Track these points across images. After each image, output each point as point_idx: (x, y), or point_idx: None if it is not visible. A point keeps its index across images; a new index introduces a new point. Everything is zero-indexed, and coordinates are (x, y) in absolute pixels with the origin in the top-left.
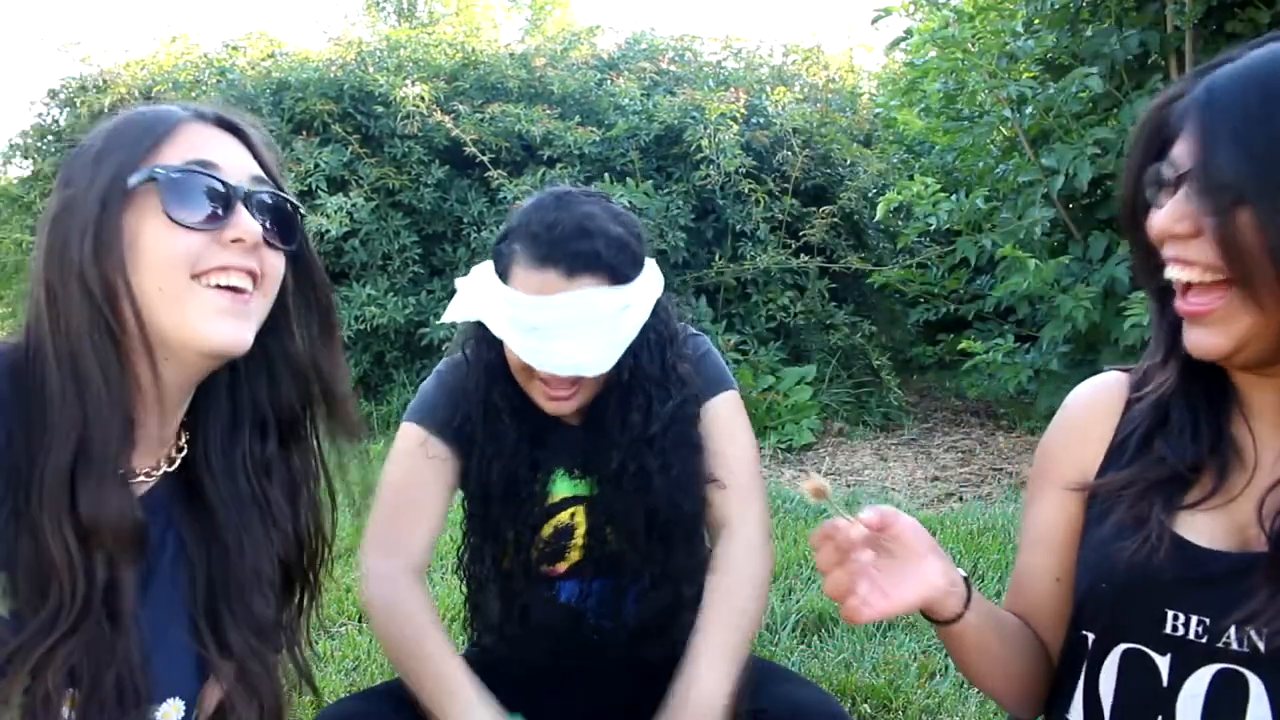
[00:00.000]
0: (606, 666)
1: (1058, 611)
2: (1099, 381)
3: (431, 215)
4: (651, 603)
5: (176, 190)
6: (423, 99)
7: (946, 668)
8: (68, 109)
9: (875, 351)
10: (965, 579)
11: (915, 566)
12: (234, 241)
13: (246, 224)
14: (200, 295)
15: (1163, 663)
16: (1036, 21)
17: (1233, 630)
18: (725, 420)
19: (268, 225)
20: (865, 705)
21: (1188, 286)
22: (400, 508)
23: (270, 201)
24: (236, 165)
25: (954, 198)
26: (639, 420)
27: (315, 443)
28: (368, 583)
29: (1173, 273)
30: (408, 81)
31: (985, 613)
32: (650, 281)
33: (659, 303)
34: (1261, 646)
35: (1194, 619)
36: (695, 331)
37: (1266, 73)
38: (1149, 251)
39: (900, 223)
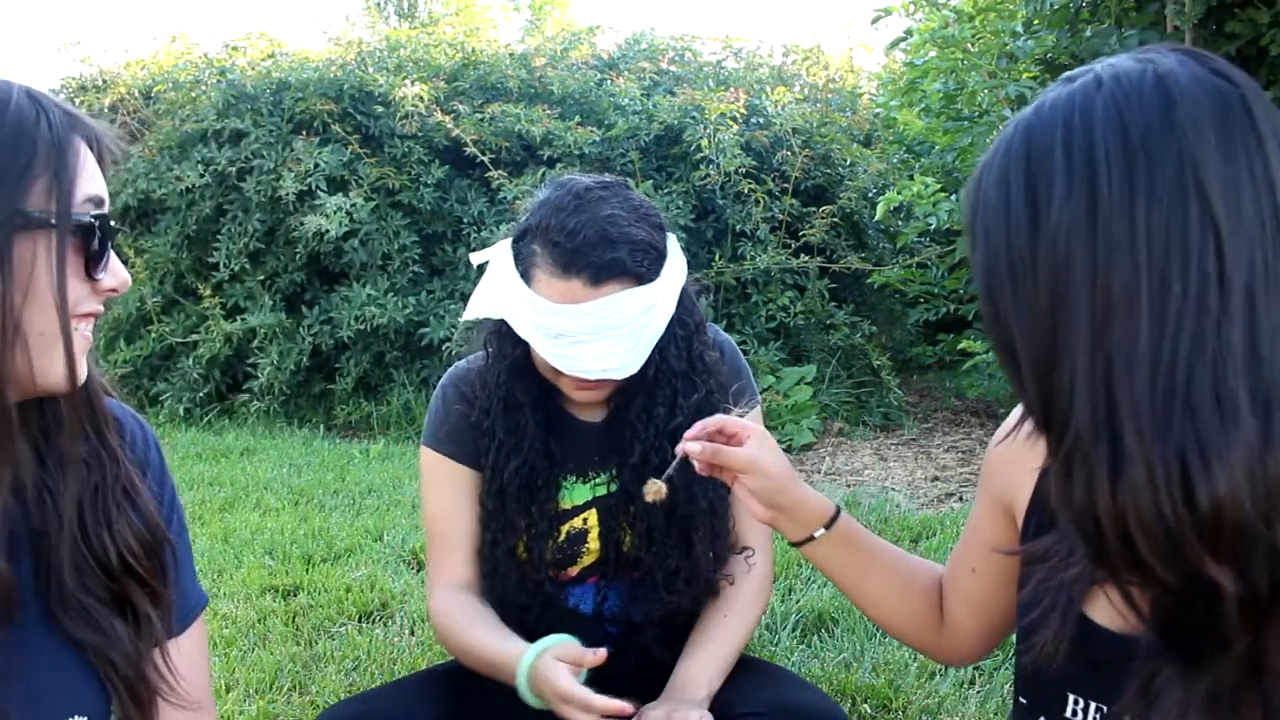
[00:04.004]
0: (617, 671)
1: (968, 598)
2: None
3: (431, 215)
4: (666, 603)
5: (86, 239)
6: (422, 99)
7: (946, 668)
8: None
9: (875, 351)
10: (833, 517)
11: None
12: (109, 290)
13: (123, 273)
14: (77, 337)
15: None
16: (1036, 22)
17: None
18: None
19: None
20: (865, 705)
21: None
22: (436, 538)
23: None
24: (107, 197)
25: (954, 198)
26: (664, 414)
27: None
28: (428, 604)
29: None
30: (407, 81)
31: (842, 547)
32: (674, 271)
33: (683, 291)
34: None
35: (1092, 705)
36: (718, 330)
37: (985, 175)
38: None
39: (900, 223)
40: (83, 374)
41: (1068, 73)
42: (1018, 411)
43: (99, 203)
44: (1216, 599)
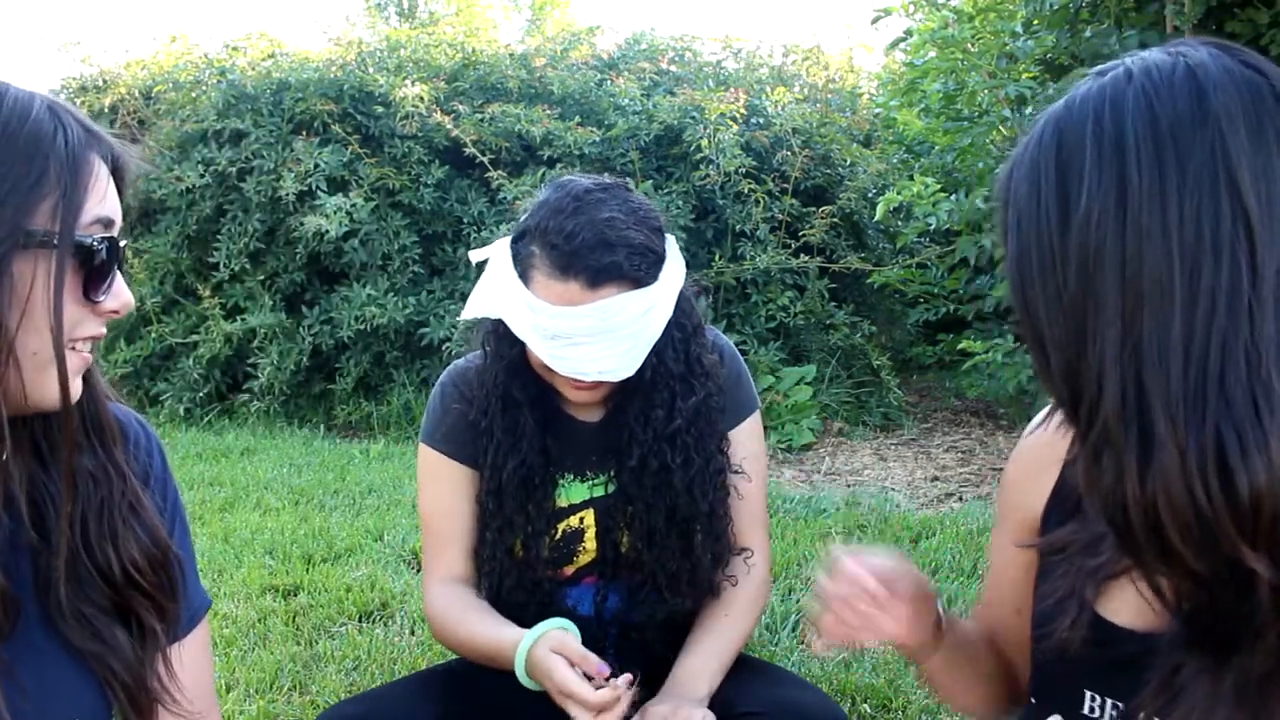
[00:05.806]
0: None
1: (1020, 638)
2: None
3: (431, 215)
4: (669, 605)
5: (88, 261)
6: (422, 99)
7: None
8: None
9: (875, 351)
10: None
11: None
12: (110, 311)
13: (126, 295)
14: (70, 358)
15: None
16: (1036, 22)
17: (1141, 718)
18: (742, 444)
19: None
20: (865, 705)
21: None
22: (432, 534)
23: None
24: (119, 218)
25: (954, 198)
26: (661, 416)
27: (116, 464)
28: (424, 599)
29: None
30: (407, 81)
31: (952, 647)
32: (673, 274)
33: (681, 293)
34: None
35: (1109, 703)
36: (718, 333)
37: (1014, 172)
38: None
39: (900, 223)
40: (76, 395)
41: (1098, 66)
42: (1043, 414)
43: (108, 224)
44: (1248, 587)
